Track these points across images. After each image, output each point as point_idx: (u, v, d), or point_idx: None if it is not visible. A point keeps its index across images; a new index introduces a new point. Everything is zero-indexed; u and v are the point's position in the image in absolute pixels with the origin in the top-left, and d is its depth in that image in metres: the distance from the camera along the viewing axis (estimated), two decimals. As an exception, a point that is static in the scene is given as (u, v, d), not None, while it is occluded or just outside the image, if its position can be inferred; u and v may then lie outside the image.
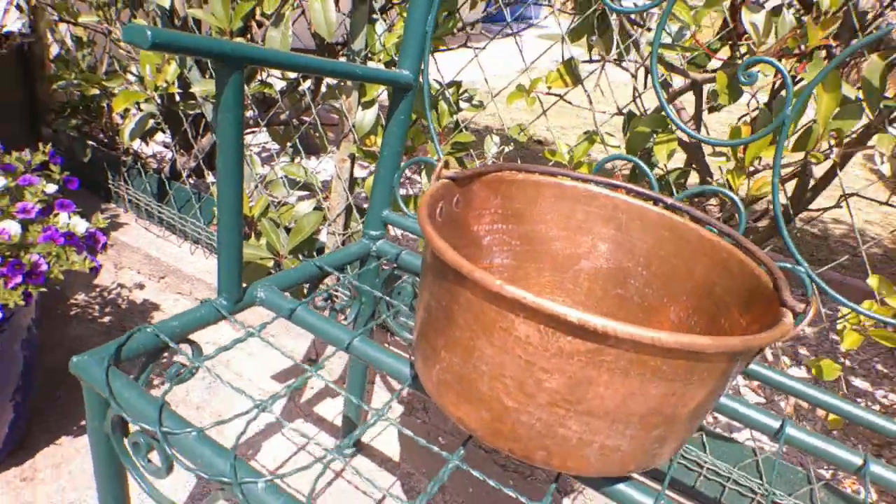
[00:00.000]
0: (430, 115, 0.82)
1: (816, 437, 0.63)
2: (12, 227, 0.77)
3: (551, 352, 0.44)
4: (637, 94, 0.89)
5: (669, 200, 0.67)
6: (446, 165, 0.62)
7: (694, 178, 1.00)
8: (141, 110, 1.39)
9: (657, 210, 0.66)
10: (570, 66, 0.89)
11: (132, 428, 0.58)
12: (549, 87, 0.90)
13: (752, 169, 0.79)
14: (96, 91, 1.41)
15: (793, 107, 0.60)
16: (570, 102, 0.96)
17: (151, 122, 1.43)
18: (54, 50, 1.57)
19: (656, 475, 1.03)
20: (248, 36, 1.16)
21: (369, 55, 1.06)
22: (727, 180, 0.79)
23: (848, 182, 2.83)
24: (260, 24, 1.18)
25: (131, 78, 1.43)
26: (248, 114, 1.42)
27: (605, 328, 0.41)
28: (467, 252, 0.68)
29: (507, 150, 1.06)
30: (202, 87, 1.24)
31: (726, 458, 1.00)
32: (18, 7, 1.29)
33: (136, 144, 1.89)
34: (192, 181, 1.57)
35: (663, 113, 0.91)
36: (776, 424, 0.65)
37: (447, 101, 1.01)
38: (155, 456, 0.57)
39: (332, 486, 1.02)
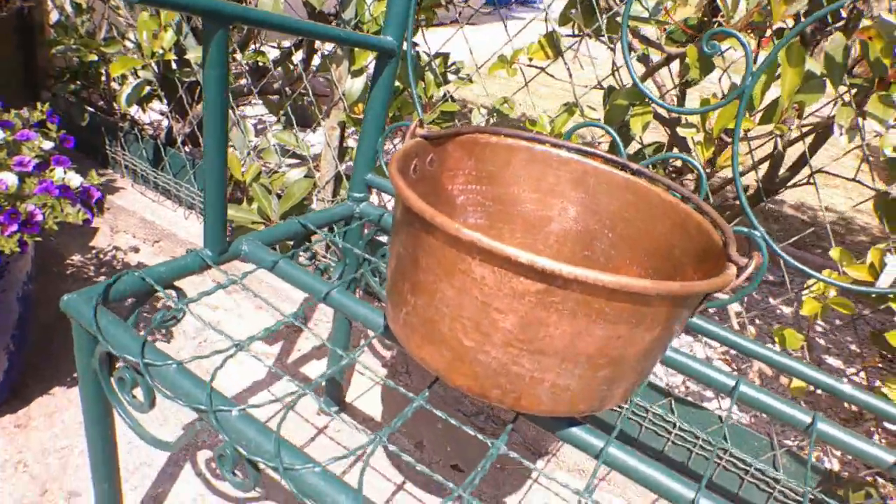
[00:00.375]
0: (414, 83, 0.85)
1: (768, 395, 0.67)
2: (9, 179, 0.80)
3: (504, 292, 0.47)
4: (615, 69, 0.92)
5: (634, 166, 0.70)
6: (420, 125, 0.65)
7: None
8: (137, 77, 1.41)
9: (624, 175, 0.69)
10: (551, 38, 0.92)
11: (118, 366, 0.62)
12: (531, 59, 0.92)
13: (723, 142, 0.82)
14: (94, 57, 1.43)
15: (752, 77, 0.63)
16: (551, 76, 0.98)
17: (148, 88, 1.45)
18: (54, 16, 1.58)
19: (609, 429, 1.07)
20: (245, 2, 1.18)
21: (359, 24, 1.09)
22: (697, 151, 0.81)
23: (837, 169, 2.86)
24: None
25: (129, 45, 1.45)
26: (242, 82, 1.45)
27: (553, 269, 0.44)
28: (441, 209, 0.71)
29: (492, 121, 1.09)
30: (197, 53, 1.26)
31: (695, 425, 1.04)
32: (18, -30, 1.31)
33: (134, 111, 1.91)
34: (187, 148, 1.60)
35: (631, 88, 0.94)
36: (731, 383, 0.69)
37: (433, 72, 1.03)
38: (139, 392, 0.60)
39: (314, 442, 1.06)
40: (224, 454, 0.52)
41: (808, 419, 0.67)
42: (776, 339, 0.84)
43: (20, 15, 1.29)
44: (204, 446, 1.02)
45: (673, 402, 1.02)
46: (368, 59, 1.07)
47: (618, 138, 0.72)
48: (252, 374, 1.19)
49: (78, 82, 1.56)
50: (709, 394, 1.18)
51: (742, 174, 0.85)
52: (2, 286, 0.89)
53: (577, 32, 0.91)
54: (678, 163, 1.12)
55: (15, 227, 0.78)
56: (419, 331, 0.54)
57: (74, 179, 0.87)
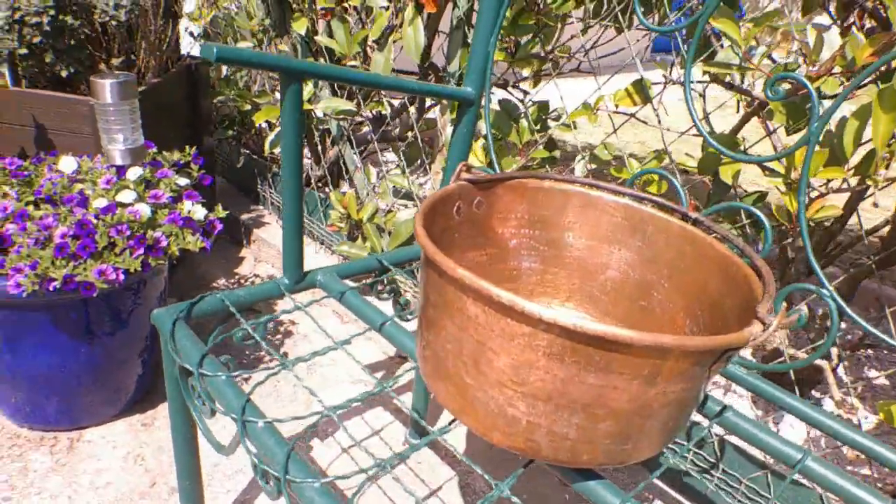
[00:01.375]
0: (488, 128, 0.88)
1: (835, 472, 0.60)
2: (143, 210, 0.95)
3: (496, 333, 0.48)
4: (705, 115, 0.88)
5: (693, 215, 0.67)
6: (467, 169, 0.67)
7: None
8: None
9: (680, 224, 0.66)
10: (639, 85, 0.90)
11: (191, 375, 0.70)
12: (617, 106, 0.91)
13: (817, 194, 0.75)
14: (248, 106, 1.63)
15: (818, 122, 0.58)
16: (644, 122, 0.96)
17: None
18: (224, 71, 1.84)
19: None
20: (365, 59, 1.30)
21: (462, 77, 1.14)
22: (785, 203, 0.75)
23: None
24: (373, 49, 1.32)
25: (279, 96, 1.64)
26: (365, 130, 1.57)
27: (532, 311, 0.44)
28: (492, 252, 0.73)
29: (587, 167, 1.08)
30: (325, 104, 1.40)
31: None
32: (190, 34, 1.55)
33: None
34: (319, 188, 1.75)
35: (736, 135, 0.89)
36: (797, 456, 0.62)
37: (527, 119, 1.05)
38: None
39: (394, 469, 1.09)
40: (255, 463, 0.57)
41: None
42: (881, 415, 0.73)
43: (189, 70, 1.52)
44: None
45: (769, 475, 0.92)
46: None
47: (678, 184, 0.70)
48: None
49: (235, 129, 1.79)
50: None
51: (834, 227, 0.77)
52: (138, 301, 1.03)
53: (666, 79, 0.88)
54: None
55: (141, 251, 0.92)
56: (432, 363, 0.56)
57: (199, 212, 1.01)
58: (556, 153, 1.22)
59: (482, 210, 0.70)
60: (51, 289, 0.86)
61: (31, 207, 0.97)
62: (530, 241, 0.74)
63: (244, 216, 1.91)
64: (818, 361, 0.86)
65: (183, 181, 1.07)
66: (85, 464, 1.01)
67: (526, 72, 1.54)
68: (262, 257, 1.81)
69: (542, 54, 1.11)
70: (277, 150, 1.69)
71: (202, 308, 0.73)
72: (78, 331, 0.96)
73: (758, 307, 0.48)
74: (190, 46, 1.59)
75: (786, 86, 0.68)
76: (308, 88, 1.52)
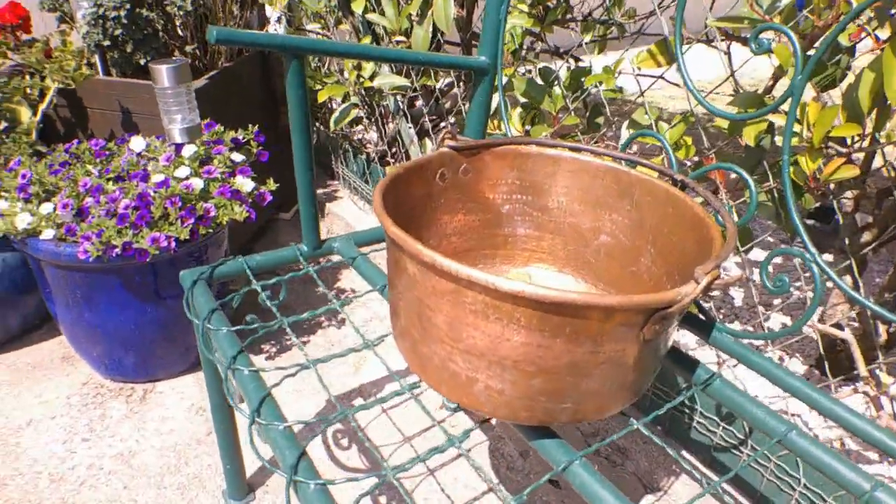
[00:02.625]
0: (502, 97, 0.88)
1: (818, 447, 0.57)
2: (196, 184, 1.04)
3: (430, 290, 0.50)
4: (731, 73, 0.82)
5: (679, 177, 0.65)
6: (451, 137, 0.69)
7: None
8: (345, 102, 1.66)
9: (665, 186, 0.65)
10: (663, 45, 0.86)
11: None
12: (639, 68, 0.88)
13: (838, 153, 0.68)
14: (319, 86, 1.71)
15: (801, 77, 0.54)
16: (676, 84, 0.91)
17: (356, 111, 1.69)
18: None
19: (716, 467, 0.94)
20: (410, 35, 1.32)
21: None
22: (801, 164, 0.69)
23: None
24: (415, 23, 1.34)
25: (346, 74, 1.71)
26: (419, 103, 1.60)
27: (449, 268, 0.46)
28: (484, 218, 0.74)
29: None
30: (381, 80, 1.44)
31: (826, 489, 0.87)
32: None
33: (359, 130, 2.21)
34: (385, 163, 1.81)
35: (762, 93, 0.83)
36: (781, 428, 0.59)
37: (559, 85, 1.04)
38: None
39: (427, 432, 1.13)
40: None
41: None
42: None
43: (262, 54, 1.61)
44: (337, 431, 1.16)
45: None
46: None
47: (668, 147, 0.67)
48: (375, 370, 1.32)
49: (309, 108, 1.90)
50: (872, 455, 0.97)
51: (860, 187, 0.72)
52: (198, 267, 1.14)
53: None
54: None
55: (192, 221, 1.01)
56: (395, 323, 0.59)
57: (247, 185, 1.09)
58: (601, 119, 1.20)
59: (469, 177, 0.71)
60: (113, 255, 0.97)
61: (109, 183, 1.09)
62: (524, 206, 0.74)
63: (320, 191, 2.01)
64: (844, 335, 0.80)
65: (238, 157, 1.15)
66: (154, 412, 1.14)
67: (587, 38, 1.51)
68: (334, 230, 1.91)
69: (605, 19, 1.09)
70: (343, 127, 1.76)
71: (223, 270, 0.81)
72: (145, 293, 1.08)
73: (697, 268, 0.47)
74: (274, 30, 1.69)
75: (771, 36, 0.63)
76: (370, 66, 1.57)
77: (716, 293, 1.40)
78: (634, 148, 1.97)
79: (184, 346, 1.21)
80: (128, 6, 1.24)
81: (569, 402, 0.51)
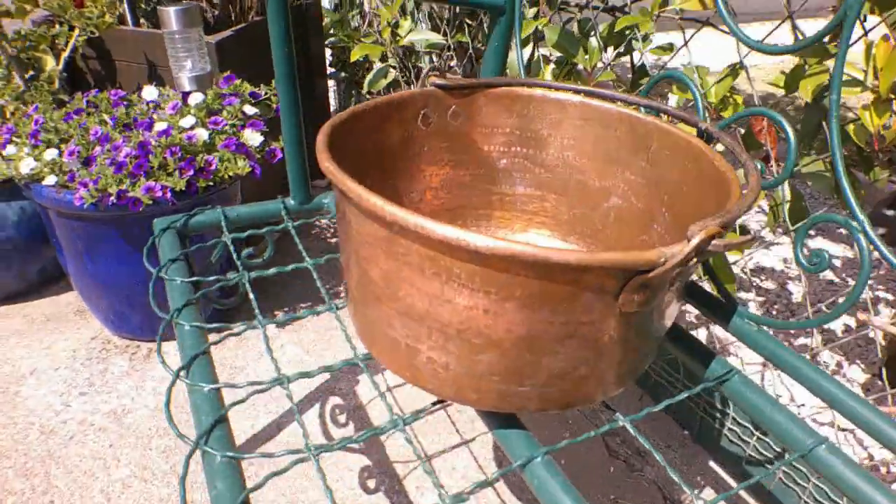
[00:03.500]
0: (519, 42, 0.78)
1: (847, 465, 0.45)
2: (200, 134, 0.99)
3: (364, 238, 0.41)
4: (789, 14, 0.69)
5: (704, 125, 0.53)
6: (440, 74, 0.60)
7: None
8: (381, 63, 1.58)
9: (686, 136, 0.53)
10: (712, -16, 0.73)
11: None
12: (682, 11, 0.75)
13: None
14: (353, 45, 1.64)
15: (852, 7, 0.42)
16: (722, 29, 0.78)
17: (394, 73, 1.61)
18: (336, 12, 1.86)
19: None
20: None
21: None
22: (866, 119, 0.56)
23: None
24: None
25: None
26: (453, 64, 1.50)
27: (374, 206, 0.37)
28: (477, 172, 0.64)
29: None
30: (415, 35, 1.35)
31: None
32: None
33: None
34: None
35: (823, 43, 0.69)
36: (807, 441, 0.48)
37: (597, 37, 0.92)
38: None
39: (431, 417, 1.05)
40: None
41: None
42: None
43: (299, 10, 1.55)
44: (338, 393, 1.10)
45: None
46: (529, 32, 1.01)
47: (697, 91, 0.56)
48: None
49: (347, 70, 1.82)
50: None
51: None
52: (204, 224, 1.09)
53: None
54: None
55: (191, 172, 0.96)
56: (345, 278, 0.51)
57: (254, 139, 1.03)
58: (645, 80, 1.07)
59: (459, 122, 0.62)
60: (109, 203, 0.93)
61: (116, 132, 1.06)
62: (524, 161, 0.64)
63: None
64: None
65: (252, 111, 1.09)
66: (155, 371, 1.11)
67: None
68: (371, 200, 1.84)
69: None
70: (376, 90, 1.69)
71: (200, 220, 0.74)
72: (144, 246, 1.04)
73: (692, 225, 0.37)
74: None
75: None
76: (407, 24, 1.48)
77: (771, 285, 1.25)
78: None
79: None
80: (152, -49, 1.20)
81: (528, 386, 0.41)
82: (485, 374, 0.41)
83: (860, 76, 0.56)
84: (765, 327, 0.50)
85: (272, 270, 0.65)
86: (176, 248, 0.68)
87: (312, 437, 0.99)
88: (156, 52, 1.31)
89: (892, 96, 0.55)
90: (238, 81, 1.18)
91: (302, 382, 1.10)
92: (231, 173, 0.98)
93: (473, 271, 0.37)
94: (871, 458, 0.83)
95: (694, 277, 0.65)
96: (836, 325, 1.08)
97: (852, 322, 1.07)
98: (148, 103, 1.09)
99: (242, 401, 0.49)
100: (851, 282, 1.22)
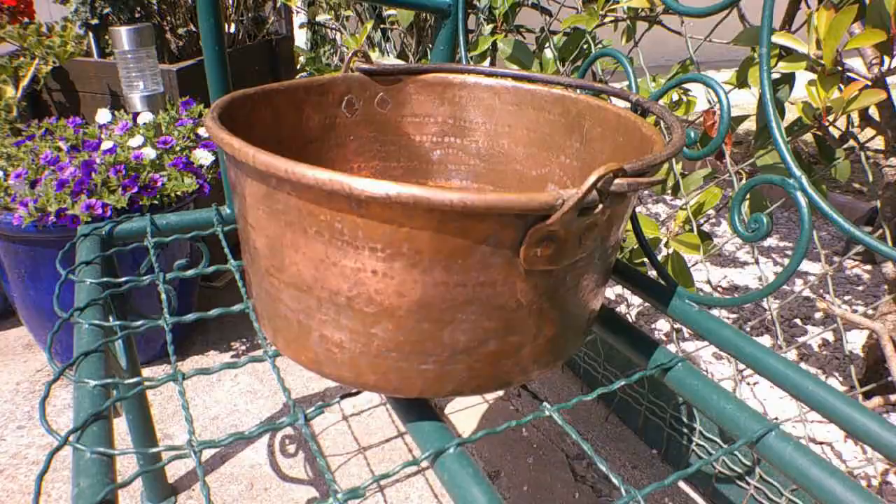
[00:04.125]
0: (465, 41, 0.76)
1: (799, 451, 0.40)
2: (148, 153, 0.96)
3: (249, 201, 0.38)
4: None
5: (634, 97, 0.50)
6: (364, 58, 0.57)
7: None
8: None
9: (615, 110, 0.50)
10: (656, -19, 0.72)
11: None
12: (626, 9, 0.74)
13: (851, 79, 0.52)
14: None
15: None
16: (676, 32, 0.76)
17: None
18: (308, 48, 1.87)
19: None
20: None
21: (492, 9, 1.02)
22: (812, 95, 0.53)
23: None
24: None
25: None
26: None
27: (246, 154, 0.34)
28: (409, 165, 0.61)
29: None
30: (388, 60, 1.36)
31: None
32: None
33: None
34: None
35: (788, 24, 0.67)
36: (757, 428, 0.43)
37: (552, 48, 0.91)
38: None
39: (389, 443, 0.99)
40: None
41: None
42: None
43: (269, 44, 1.56)
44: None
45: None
46: (488, 45, 1.00)
47: (628, 66, 0.53)
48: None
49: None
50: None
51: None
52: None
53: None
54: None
55: (135, 189, 0.92)
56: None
57: (205, 159, 1.00)
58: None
59: (388, 110, 0.59)
60: (49, 223, 0.90)
61: (64, 154, 1.03)
62: (459, 152, 0.61)
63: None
64: (873, 325, 0.61)
65: (204, 132, 1.07)
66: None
67: None
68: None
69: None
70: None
71: (126, 228, 0.70)
72: (94, 271, 1.00)
73: (592, 173, 0.33)
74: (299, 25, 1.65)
75: None
76: (374, 55, 1.48)
77: (747, 305, 1.21)
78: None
79: (141, 336, 1.12)
80: (112, -20, 1.20)
81: (431, 363, 0.37)
82: (382, 351, 0.37)
83: (804, 49, 0.54)
84: (704, 307, 0.46)
85: (190, 272, 0.61)
86: (94, 253, 0.64)
87: (259, 467, 0.92)
88: (119, 82, 1.30)
89: (839, 68, 0.52)
90: (197, 106, 1.16)
91: (252, 411, 1.04)
92: (178, 192, 0.95)
93: (355, 224, 0.33)
94: (851, 473, 0.78)
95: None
96: (814, 341, 1.03)
97: (830, 336, 1.03)
98: (100, 126, 1.06)
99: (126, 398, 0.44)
100: (829, 297, 1.19)
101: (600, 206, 0.33)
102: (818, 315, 1.11)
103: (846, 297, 1.17)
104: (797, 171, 0.40)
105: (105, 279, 0.59)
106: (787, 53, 0.60)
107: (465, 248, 0.33)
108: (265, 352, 0.49)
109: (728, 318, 1.14)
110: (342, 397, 0.45)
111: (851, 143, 0.60)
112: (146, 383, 0.45)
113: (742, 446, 0.42)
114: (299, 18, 1.83)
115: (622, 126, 0.49)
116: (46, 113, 1.42)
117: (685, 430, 0.81)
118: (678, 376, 0.47)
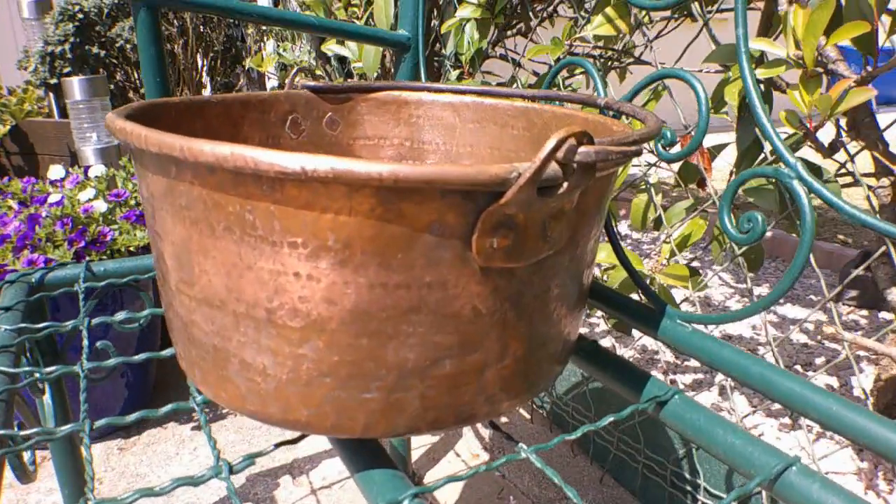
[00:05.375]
0: (425, 76, 0.72)
1: (828, 490, 0.33)
2: (98, 206, 0.91)
3: (153, 202, 0.32)
4: (704, 23, 0.65)
5: (603, 100, 0.46)
6: (309, 76, 0.53)
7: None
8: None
9: (582, 116, 0.46)
10: (622, 8, 0.70)
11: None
12: (597, 41, 0.71)
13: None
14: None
15: None
16: (646, 62, 0.74)
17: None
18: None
19: None
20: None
21: (458, 55, 1.01)
22: (796, 98, 0.49)
23: None
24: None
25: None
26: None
27: (138, 134, 0.28)
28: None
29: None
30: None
31: None
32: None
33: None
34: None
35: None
36: (774, 464, 0.36)
37: (517, 81, 0.88)
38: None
39: None
40: None
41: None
42: None
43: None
44: (253, 499, 0.94)
45: None
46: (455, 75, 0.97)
47: (594, 72, 0.49)
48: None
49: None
50: None
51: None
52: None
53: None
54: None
55: (82, 244, 0.86)
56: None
57: (161, 211, 0.95)
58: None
59: (339, 132, 0.54)
60: (-15, 281, 0.83)
61: (11, 211, 0.97)
62: (419, 176, 0.56)
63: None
64: (885, 350, 0.55)
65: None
66: (43, 482, 0.94)
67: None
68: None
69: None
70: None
71: (59, 275, 0.64)
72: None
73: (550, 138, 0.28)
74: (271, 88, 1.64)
75: None
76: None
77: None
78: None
79: (90, 405, 1.03)
80: (72, 39, 1.18)
81: (374, 391, 0.30)
82: (314, 377, 0.30)
83: (780, 52, 0.50)
84: (697, 325, 0.40)
85: (120, 315, 0.54)
86: (16, 299, 0.57)
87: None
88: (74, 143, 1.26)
89: (820, 69, 0.48)
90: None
91: (213, 485, 0.94)
92: (131, 245, 0.89)
93: (269, 214, 0.27)
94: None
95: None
96: (819, 382, 0.96)
97: (835, 382, 0.96)
98: (52, 182, 1.01)
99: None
100: (828, 344, 1.13)
101: (565, 183, 0.27)
102: (819, 360, 1.04)
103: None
104: (791, 159, 0.35)
105: (22, 325, 0.52)
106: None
107: (403, 237, 0.27)
108: (192, 398, 0.42)
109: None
110: (276, 445, 0.37)
111: (843, 155, 0.56)
112: (47, 434, 0.38)
113: (757, 487, 0.35)
114: (271, 83, 1.83)
115: (593, 131, 0.45)
116: (3, 176, 1.37)
117: (689, 488, 0.72)
118: (676, 410, 0.41)
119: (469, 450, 1.04)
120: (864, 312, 1.30)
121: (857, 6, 0.46)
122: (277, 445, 0.37)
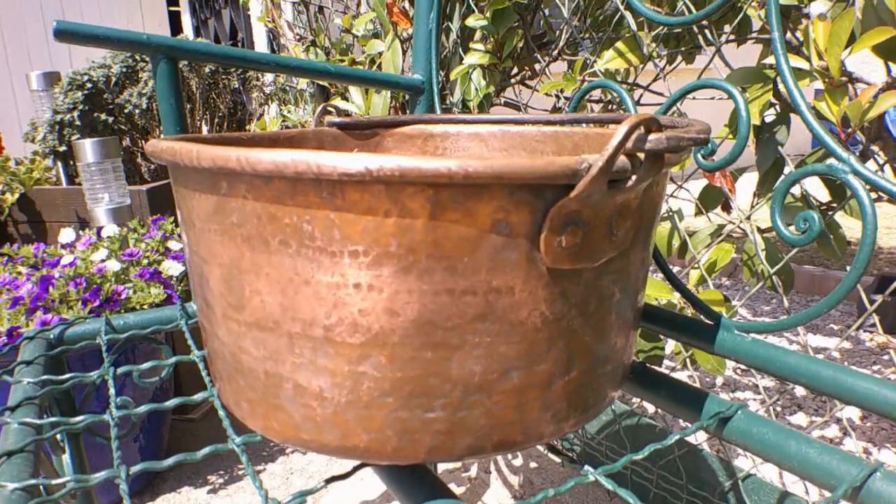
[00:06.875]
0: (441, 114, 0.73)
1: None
2: (111, 266, 0.89)
3: (196, 226, 0.31)
4: (717, 48, 0.65)
5: (607, 117, 0.46)
6: (336, 112, 0.53)
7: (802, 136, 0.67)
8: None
9: (612, 133, 0.46)
10: (633, 42, 0.71)
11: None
12: (606, 70, 0.72)
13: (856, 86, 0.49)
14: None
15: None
16: (658, 92, 0.75)
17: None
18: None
19: None
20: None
21: (466, 102, 1.02)
22: (825, 109, 0.49)
23: None
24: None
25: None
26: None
27: (188, 150, 0.27)
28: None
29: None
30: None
31: None
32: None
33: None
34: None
35: (761, 67, 0.65)
36: (856, 473, 0.34)
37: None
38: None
39: None
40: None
41: None
42: None
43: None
44: None
45: None
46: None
47: (624, 94, 0.49)
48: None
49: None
50: None
51: None
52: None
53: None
54: None
55: (97, 303, 0.85)
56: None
57: (174, 269, 0.94)
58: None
59: (366, 166, 0.54)
60: (1, 345, 0.81)
61: (22, 276, 0.96)
62: (447, 208, 0.55)
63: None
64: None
65: (177, 246, 1.02)
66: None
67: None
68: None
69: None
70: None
71: (79, 331, 0.62)
72: (49, 402, 0.89)
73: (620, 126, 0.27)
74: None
75: None
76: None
77: (768, 382, 1.11)
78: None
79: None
80: (82, 107, 1.20)
81: (439, 409, 0.29)
82: (375, 398, 0.29)
83: (804, 65, 0.51)
84: (757, 335, 0.39)
85: (147, 364, 0.52)
86: (37, 353, 0.56)
87: None
88: (87, 205, 1.26)
89: (845, 78, 0.49)
90: (167, 223, 1.11)
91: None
92: (145, 303, 0.88)
93: (329, 222, 0.26)
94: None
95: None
96: (853, 413, 0.93)
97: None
98: (63, 246, 1.00)
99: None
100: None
101: (633, 176, 0.27)
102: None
103: (874, 367, 1.09)
104: (843, 153, 0.34)
105: (45, 377, 0.50)
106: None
107: (470, 239, 0.26)
108: (230, 439, 0.39)
109: (754, 401, 1.04)
110: (327, 481, 0.35)
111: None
112: (82, 482, 0.36)
113: (841, 498, 0.32)
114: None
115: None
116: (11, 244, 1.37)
117: (737, 522, 0.69)
118: (740, 427, 0.39)
119: (498, 500, 1.00)
120: (884, 338, 1.28)
121: (876, 14, 0.47)
122: (328, 481, 0.35)
